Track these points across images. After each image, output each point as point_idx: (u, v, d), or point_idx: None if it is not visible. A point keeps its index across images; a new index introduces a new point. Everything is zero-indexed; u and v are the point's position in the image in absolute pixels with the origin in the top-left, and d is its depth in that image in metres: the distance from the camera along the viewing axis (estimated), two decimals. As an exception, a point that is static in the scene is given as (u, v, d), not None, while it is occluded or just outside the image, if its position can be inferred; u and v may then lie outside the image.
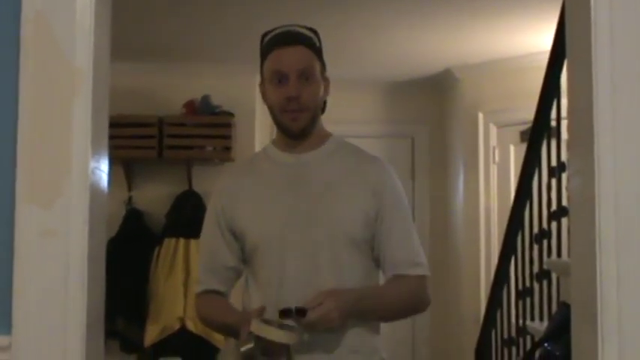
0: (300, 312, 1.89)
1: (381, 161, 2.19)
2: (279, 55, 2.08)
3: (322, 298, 1.93)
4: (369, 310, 2.07)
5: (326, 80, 2.17)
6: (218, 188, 2.23)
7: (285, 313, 1.90)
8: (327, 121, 2.23)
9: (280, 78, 2.07)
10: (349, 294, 2.01)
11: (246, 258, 2.16)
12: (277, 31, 2.12)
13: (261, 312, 1.95)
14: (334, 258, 2.06)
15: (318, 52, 2.13)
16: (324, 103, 2.19)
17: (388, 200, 2.11)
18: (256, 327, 1.85)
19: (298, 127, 2.09)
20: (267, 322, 1.88)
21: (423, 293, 2.15)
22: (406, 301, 2.14)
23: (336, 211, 2.07)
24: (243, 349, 1.89)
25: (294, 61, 2.06)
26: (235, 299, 2.21)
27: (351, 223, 2.07)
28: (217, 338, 4.72)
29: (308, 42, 2.11)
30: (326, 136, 2.20)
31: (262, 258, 2.10)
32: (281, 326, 1.87)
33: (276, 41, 2.10)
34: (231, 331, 2.12)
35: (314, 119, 2.13)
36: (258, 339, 1.85)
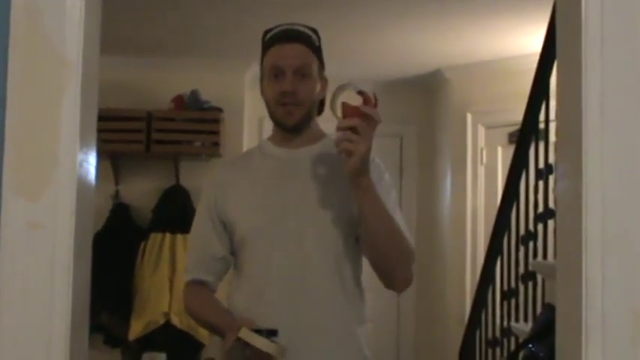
0: (271, 333, 1.90)
1: (371, 158, 2.19)
2: (277, 51, 2.12)
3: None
4: (377, 202, 1.99)
5: (324, 79, 2.21)
6: (211, 180, 2.26)
7: (256, 332, 1.92)
8: (317, 119, 2.24)
9: (277, 73, 2.11)
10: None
11: (234, 250, 2.18)
12: (278, 29, 2.16)
13: (252, 322, 1.95)
14: (322, 252, 2.07)
15: (316, 50, 2.17)
16: (322, 102, 2.21)
17: None
18: (245, 334, 1.88)
19: (293, 121, 2.13)
20: (256, 331, 1.90)
21: (410, 255, 2.08)
22: (400, 238, 2.04)
23: (325, 208, 2.08)
24: (227, 352, 1.93)
25: (291, 58, 2.10)
26: (223, 291, 2.22)
27: (339, 220, 2.09)
28: (202, 334, 4.72)
29: (307, 40, 2.15)
30: (321, 135, 2.23)
31: (249, 250, 2.12)
32: (269, 338, 1.89)
33: (276, 38, 2.14)
34: (215, 330, 2.13)
35: (308, 115, 2.16)
36: (245, 346, 1.88)
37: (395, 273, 2.09)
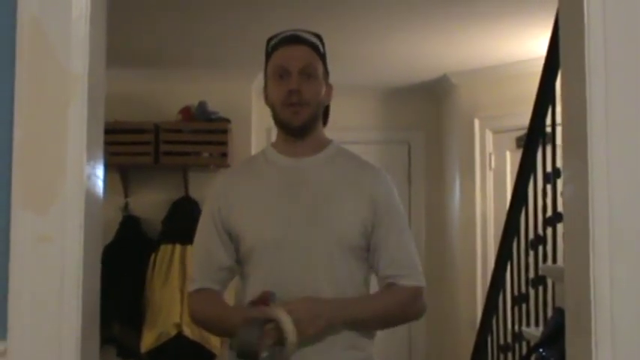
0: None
1: (379, 170, 2.20)
2: (282, 52, 2.12)
3: (298, 304, 1.96)
4: (356, 319, 2.06)
5: (329, 86, 2.19)
6: (214, 189, 2.23)
7: None
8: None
9: (282, 74, 2.10)
10: (329, 302, 2.02)
11: (240, 259, 2.15)
12: (282, 35, 2.16)
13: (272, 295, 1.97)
14: (330, 264, 2.05)
15: (321, 55, 2.17)
16: (327, 110, 2.21)
17: (384, 209, 2.11)
18: (276, 309, 1.90)
19: (299, 120, 2.10)
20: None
21: (414, 303, 2.14)
22: (394, 311, 2.13)
23: (332, 218, 2.07)
24: (245, 321, 1.91)
25: (296, 58, 2.10)
26: (229, 299, 2.22)
27: (347, 229, 2.07)
28: (214, 344, 4.72)
29: (312, 45, 2.15)
30: (326, 142, 2.21)
31: (258, 260, 2.09)
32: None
33: (280, 42, 2.15)
34: (225, 323, 2.09)
35: (314, 117, 2.14)
36: (268, 321, 1.88)
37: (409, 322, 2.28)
